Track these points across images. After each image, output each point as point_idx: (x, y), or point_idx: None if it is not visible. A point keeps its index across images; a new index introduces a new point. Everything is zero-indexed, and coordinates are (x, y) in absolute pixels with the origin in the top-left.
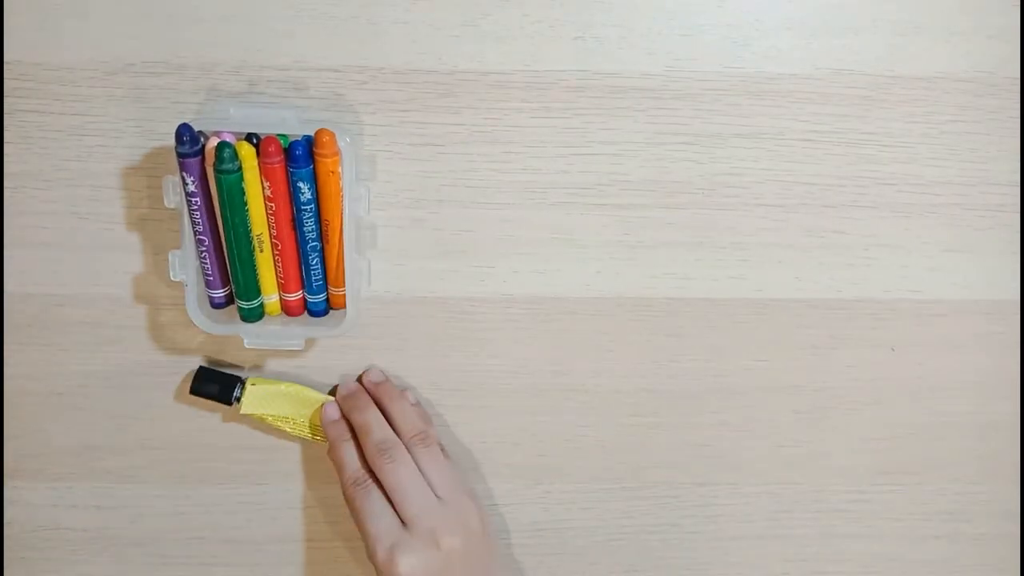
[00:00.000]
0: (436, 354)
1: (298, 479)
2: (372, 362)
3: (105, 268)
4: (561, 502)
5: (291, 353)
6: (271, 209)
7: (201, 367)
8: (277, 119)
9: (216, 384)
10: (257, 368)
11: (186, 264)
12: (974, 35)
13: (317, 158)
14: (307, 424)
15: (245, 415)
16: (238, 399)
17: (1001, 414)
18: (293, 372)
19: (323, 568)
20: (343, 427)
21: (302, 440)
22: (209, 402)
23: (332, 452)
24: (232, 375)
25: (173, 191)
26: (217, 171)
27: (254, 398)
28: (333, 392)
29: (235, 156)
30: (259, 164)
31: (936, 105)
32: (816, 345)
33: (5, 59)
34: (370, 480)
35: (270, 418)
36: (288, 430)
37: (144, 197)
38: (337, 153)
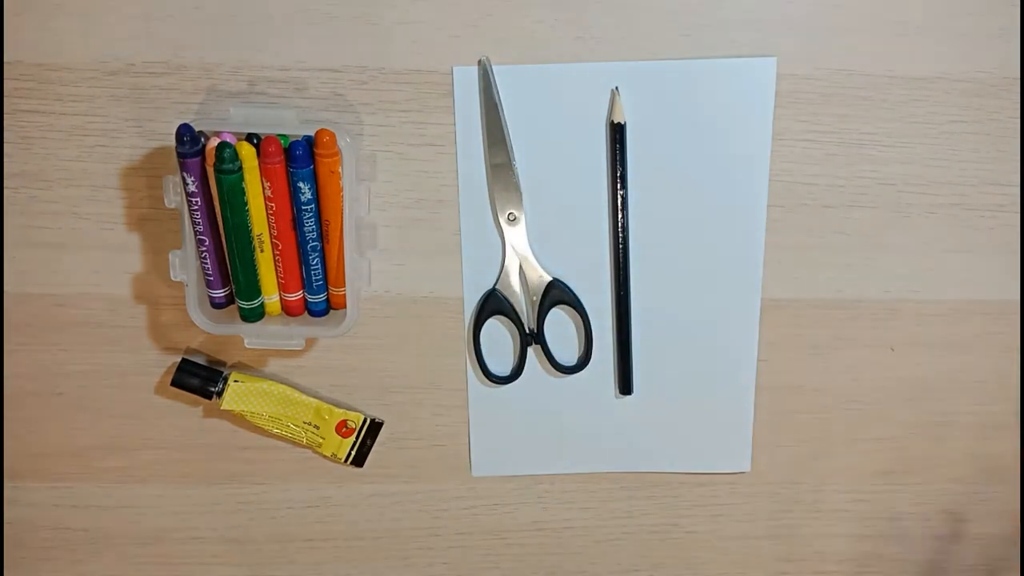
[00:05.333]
0: (436, 354)
1: (298, 479)
2: (372, 362)
3: (105, 268)
4: (561, 502)
5: (291, 353)
6: (271, 209)
7: (183, 359)
8: (277, 119)
9: (197, 378)
10: (248, 367)
11: (186, 264)
12: (974, 35)
13: (317, 158)
14: (290, 424)
15: (226, 411)
16: (219, 394)
17: (1001, 414)
18: (293, 372)
19: (323, 568)
20: None
21: (285, 440)
22: (210, 402)
23: None
24: (214, 369)
25: (173, 191)
26: (217, 171)
27: (236, 395)
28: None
29: (235, 156)
30: (259, 164)
31: (936, 105)
32: (816, 345)
33: (5, 59)
34: None
35: (251, 416)
36: (270, 429)
37: (144, 197)
38: (337, 153)
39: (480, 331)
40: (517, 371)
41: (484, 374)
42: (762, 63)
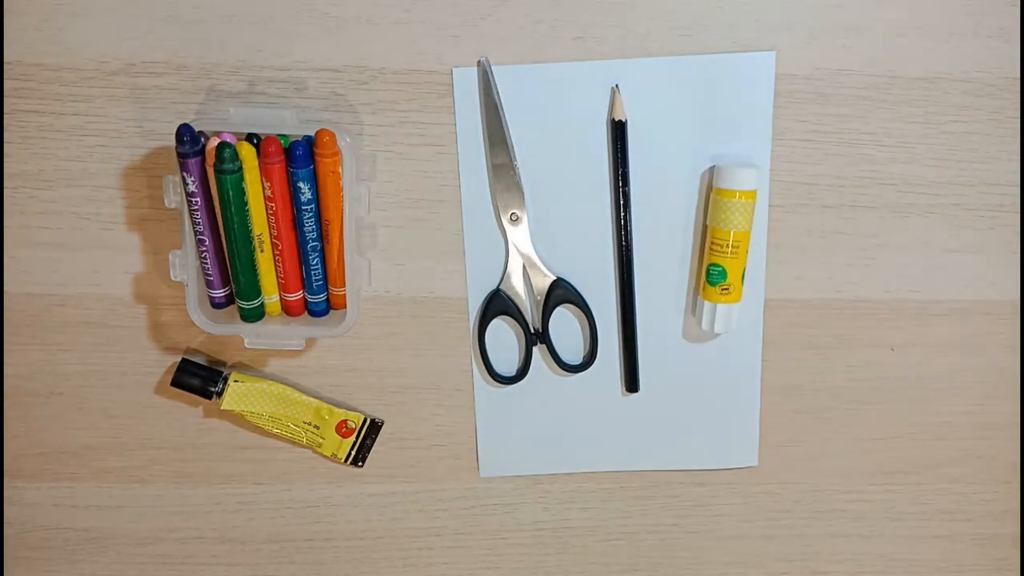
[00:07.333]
0: (436, 354)
1: (298, 479)
2: (372, 362)
3: (105, 268)
4: (561, 502)
5: (291, 353)
6: (271, 209)
7: (183, 359)
8: (277, 119)
9: (197, 378)
10: (248, 367)
11: (186, 264)
12: (974, 35)
13: (317, 158)
14: (290, 424)
15: (226, 411)
16: (219, 394)
17: (1001, 414)
18: (293, 372)
19: (323, 568)
20: None
21: (285, 440)
22: (210, 402)
23: None
24: (214, 369)
25: (173, 191)
26: (217, 171)
27: (236, 395)
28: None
29: (235, 156)
30: (259, 164)
31: (936, 105)
32: (816, 345)
33: (5, 59)
34: None
35: (251, 416)
36: (270, 429)
37: (144, 197)
38: (337, 153)
39: (485, 331)
40: (523, 371)
41: (490, 374)
42: (761, 57)
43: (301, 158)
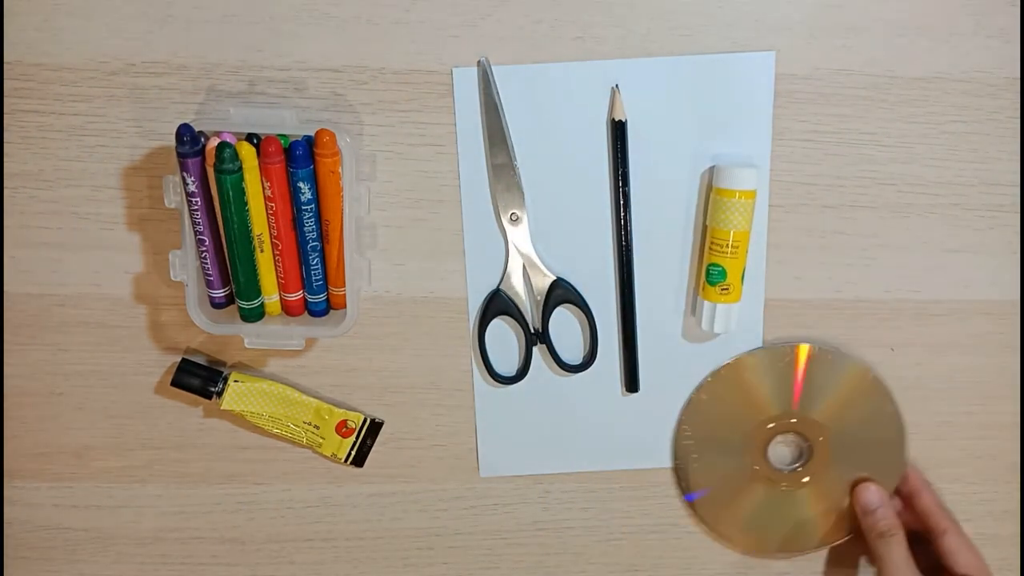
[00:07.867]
0: (436, 354)
1: (298, 479)
2: (372, 362)
3: (105, 268)
4: (561, 502)
5: (291, 353)
6: (271, 209)
7: (183, 359)
8: (277, 119)
9: (197, 378)
10: (248, 367)
11: (186, 264)
12: (974, 35)
13: (317, 158)
14: (290, 424)
15: (226, 411)
16: (219, 394)
17: (1001, 414)
18: (293, 372)
19: (323, 568)
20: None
21: (285, 440)
22: (210, 402)
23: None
24: (214, 369)
25: (173, 191)
26: (217, 171)
27: (236, 395)
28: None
29: (235, 156)
30: (259, 164)
31: (936, 105)
32: (816, 345)
33: (5, 59)
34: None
35: (251, 416)
36: (270, 429)
37: (144, 197)
38: (337, 153)
39: (485, 331)
40: (523, 371)
41: (490, 374)
42: (761, 57)
43: (301, 158)
